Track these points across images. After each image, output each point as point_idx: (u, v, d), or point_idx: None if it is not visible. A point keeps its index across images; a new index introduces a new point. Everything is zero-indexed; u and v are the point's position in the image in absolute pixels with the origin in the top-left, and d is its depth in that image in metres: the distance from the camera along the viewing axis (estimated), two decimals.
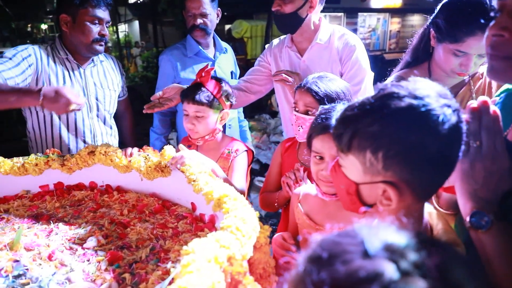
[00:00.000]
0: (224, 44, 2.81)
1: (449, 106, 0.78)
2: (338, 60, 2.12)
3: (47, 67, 2.09)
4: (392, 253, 0.46)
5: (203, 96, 1.82)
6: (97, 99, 2.26)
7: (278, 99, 2.40)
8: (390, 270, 0.44)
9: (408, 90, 0.79)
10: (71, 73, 2.16)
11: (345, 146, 0.86)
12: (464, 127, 0.80)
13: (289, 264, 0.57)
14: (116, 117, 2.56)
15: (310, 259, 0.50)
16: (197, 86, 1.86)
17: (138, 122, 2.80)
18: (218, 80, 1.92)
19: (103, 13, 2.11)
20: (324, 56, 2.14)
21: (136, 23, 16.62)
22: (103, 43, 2.16)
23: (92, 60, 2.26)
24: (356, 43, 2.11)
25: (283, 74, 2.12)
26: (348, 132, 0.84)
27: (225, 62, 2.77)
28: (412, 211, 0.88)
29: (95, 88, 2.25)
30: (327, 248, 0.50)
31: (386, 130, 0.79)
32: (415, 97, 0.77)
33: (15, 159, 1.73)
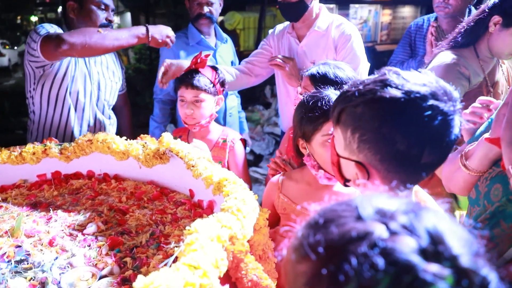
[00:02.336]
0: (224, 35, 2.84)
1: (437, 108, 0.78)
2: (333, 47, 2.17)
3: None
4: (383, 216, 0.49)
5: (202, 81, 1.85)
6: (99, 88, 2.26)
7: (277, 83, 2.47)
8: (379, 230, 0.46)
9: (403, 81, 0.80)
10: (77, 59, 2.16)
11: (335, 118, 0.91)
12: (453, 131, 0.81)
13: (288, 232, 0.60)
14: (115, 112, 2.57)
15: (307, 225, 0.53)
16: (193, 72, 1.88)
17: (132, 114, 2.80)
18: (213, 67, 1.96)
19: (108, 0, 2.13)
20: (321, 43, 2.19)
21: (128, 15, 16.45)
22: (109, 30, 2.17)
23: None
24: (352, 32, 2.16)
25: (278, 59, 2.17)
26: (340, 106, 0.89)
27: (225, 52, 2.81)
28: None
29: (98, 76, 2.24)
30: (323, 214, 0.53)
31: (365, 115, 0.83)
32: (404, 91, 0.78)
33: (12, 148, 1.73)
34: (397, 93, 0.78)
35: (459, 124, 0.81)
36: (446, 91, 0.80)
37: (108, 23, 2.15)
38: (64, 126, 2.18)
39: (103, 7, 2.11)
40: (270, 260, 1.09)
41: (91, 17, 2.09)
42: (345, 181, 0.97)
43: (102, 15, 2.12)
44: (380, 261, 0.43)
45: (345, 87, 0.91)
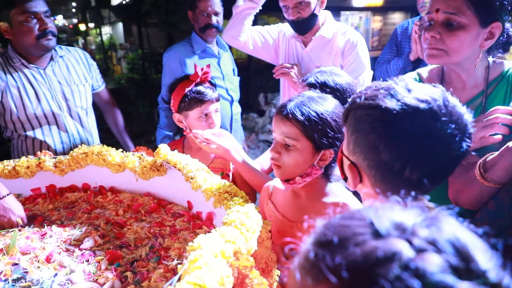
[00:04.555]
0: (224, 43, 2.85)
1: (430, 127, 0.77)
2: (340, 54, 2.23)
3: (4, 80, 2.03)
4: (403, 231, 0.46)
5: (216, 92, 1.88)
6: (65, 97, 2.19)
7: (281, 85, 2.51)
8: (405, 248, 0.44)
9: (405, 94, 0.80)
10: (31, 78, 2.10)
11: (344, 117, 0.93)
12: (451, 153, 0.80)
13: (294, 251, 0.57)
14: (100, 110, 2.53)
15: (320, 244, 0.49)
16: (203, 86, 1.87)
17: (124, 124, 2.77)
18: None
19: (36, 5, 2.00)
20: (327, 49, 2.24)
21: (120, 25, 16.42)
22: (51, 37, 2.06)
23: (51, 58, 2.18)
24: (357, 40, 2.22)
25: (283, 68, 2.21)
26: (348, 106, 0.91)
27: (227, 60, 2.85)
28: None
29: (61, 86, 2.17)
30: (335, 231, 0.49)
31: (361, 120, 0.84)
32: (401, 104, 0.78)
33: (5, 162, 1.70)
34: (392, 104, 0.79)
35: (462, 146, 0.79)
36: (451, 112, 0.79)
37: (43, 33, 2.03)
38: (39, 145, 2.17)
39: (32, 17, 1.99)
40: (273, 273, 1.07)
41: (23, 32, 2.00)
42: (345, 179, 0.99)
43: (35, 27, 2.00)
44: (416, 284, 0.41)
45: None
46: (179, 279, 0.75)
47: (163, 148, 1.60)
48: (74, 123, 2.25)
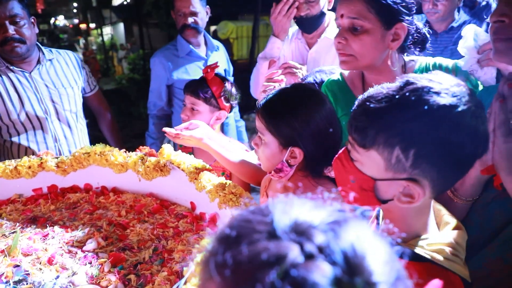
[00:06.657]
0: (215, 42, 2.80)
1: (480, 104, 0.78)
2: None
3: None
4: (300, 234, 0.42)
5: (202, 91, 1.85)
6: (52, 101, 2.14)
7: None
8: (293, 253, 0.40)
9: (439, 85, 0.77)
10: (16, 82, 2.05)
11: (369, 141, 0.82)
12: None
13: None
14: (93, 115, 2.51)
15: (219, 238, 0.46)
16: (201, 80, 1.89)
17: (125, 124, 2.76)
18: (223, 80, 1.92)
19: None
20: (332, 50, 2.19)
21: (121, 25, 16.42)
22: (17, 44, 1.96)
23: (38, 61, 2.12)
24: None
25: (290, 68, 2.16)
26: (374, 126, 0.81)
27: (217, 60, 2.75)
28: (425, 205, 0.88)
29: (48, 90, 2.12)
30: (237, 226, 0.46)
31: (424, 128, 0.76)
32: (453, 96, 0.76)
33: (7, 161, 1.69)
34: (449, 99, 0.76)
35: None
36: (466, 86, 0.80)
37: (4, 39, 1.93)
38: (24, 151, 2.13)
39: None
40: None
41: None
42: (383, 202, 0.88)
43: None
44: None
45: (363, 106, 0.83)
46: (185, 282, 0.74)
47: (167, 148, 1.59)
48: (62, 127, 2.20)
